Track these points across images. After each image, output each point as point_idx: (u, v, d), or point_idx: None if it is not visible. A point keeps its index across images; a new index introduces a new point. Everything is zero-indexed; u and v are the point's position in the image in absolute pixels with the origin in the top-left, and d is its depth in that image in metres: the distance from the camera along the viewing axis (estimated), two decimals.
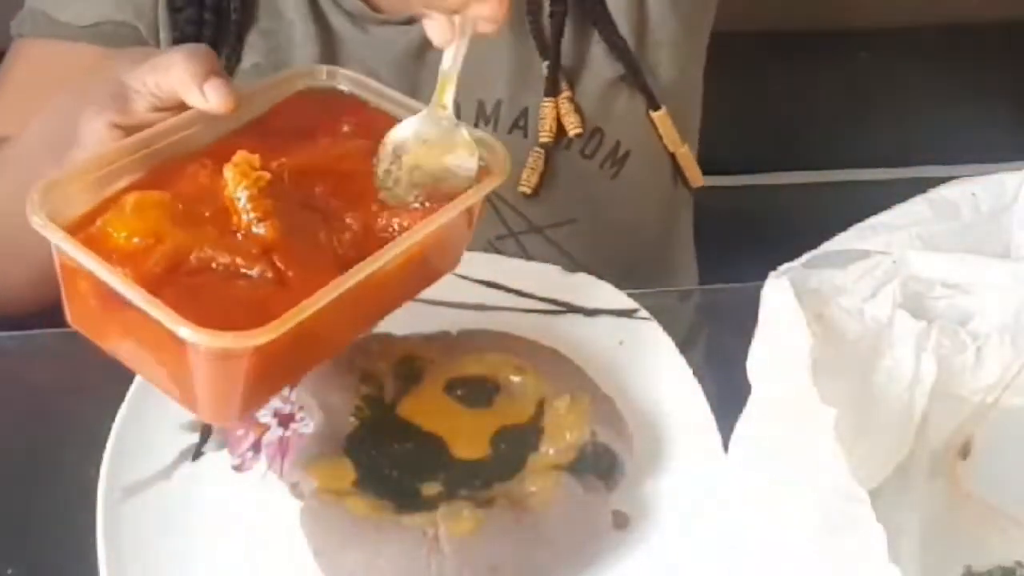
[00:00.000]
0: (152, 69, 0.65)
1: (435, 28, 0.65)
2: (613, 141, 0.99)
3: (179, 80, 0.64)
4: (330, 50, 0.96)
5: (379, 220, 0.63)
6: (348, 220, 0.63)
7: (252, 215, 0.60)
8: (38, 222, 0.58)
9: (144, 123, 0.65)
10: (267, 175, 0.60)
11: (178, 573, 0.66)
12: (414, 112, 0.67)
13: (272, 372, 0.60)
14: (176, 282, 0.57)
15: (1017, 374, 0.75)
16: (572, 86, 0.97)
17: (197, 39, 0.94)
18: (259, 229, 0.59)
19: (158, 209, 0.60)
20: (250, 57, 0.95)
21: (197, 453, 0.71)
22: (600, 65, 0.98)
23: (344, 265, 0.59)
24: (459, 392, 0.71)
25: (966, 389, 0.75)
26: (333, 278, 0.58)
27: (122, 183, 0.62)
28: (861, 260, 0.77)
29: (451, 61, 0.66)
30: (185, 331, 0.54)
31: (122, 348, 0.60)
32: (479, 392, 0.71)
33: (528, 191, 0.97)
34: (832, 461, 0.61)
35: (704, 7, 1.04)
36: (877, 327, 0.73)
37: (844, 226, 0.80)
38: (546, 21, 0.97)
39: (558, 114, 0.96)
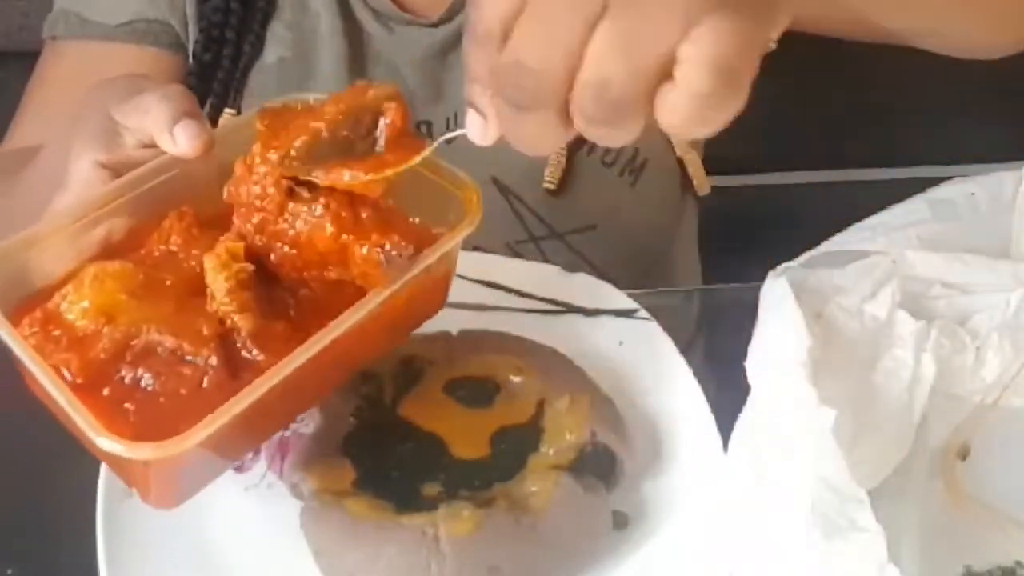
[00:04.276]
0: (134, 109, 0.64)
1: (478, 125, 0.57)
2: (632, 150, 1.00)
3: (154, 122, 0.63)
4: (356, 45, 0.96)
5: (341, 283, 0.61)
6: (310, 286, 0.61)
7: (231, 307, 0.58)
8: None
9: (132, 160, 0.64)
10: (249, 267, 0.59)
11: (178, 574, 0.66)
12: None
13: (214, 456, 0.59)
14: (119, 370, 0.57)
15: (1017, 374, 0.75)
16: None
17: (223, 29, 0.94)
18: (237, 321, 0.58)
19: (116, 281, 0.59)
20: (275, 51, 0.95)
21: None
22: None
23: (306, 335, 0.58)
24: (459, 392, 0.71)
25: (966, 389, 0.75)
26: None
27: (101, 231, 0.62)
28: (860, 260, 0.77)
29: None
30: (104, 442, 0.52)
31: (66, 423, 0.59)
32: (479, 392, 0.71)
33: (552, 186, 0.97)
34: (832, 461, 0.61)
35: None
36: (876, 327, 0.73)
37: (844, 226, 0.80)
38: None
39: None
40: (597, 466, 0.68)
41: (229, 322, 0.58)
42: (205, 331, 0.58)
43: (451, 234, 0.62)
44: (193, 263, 0.61)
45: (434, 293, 0.67)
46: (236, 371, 0.57)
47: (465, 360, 0.73)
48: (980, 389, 0.75)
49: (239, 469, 0.71)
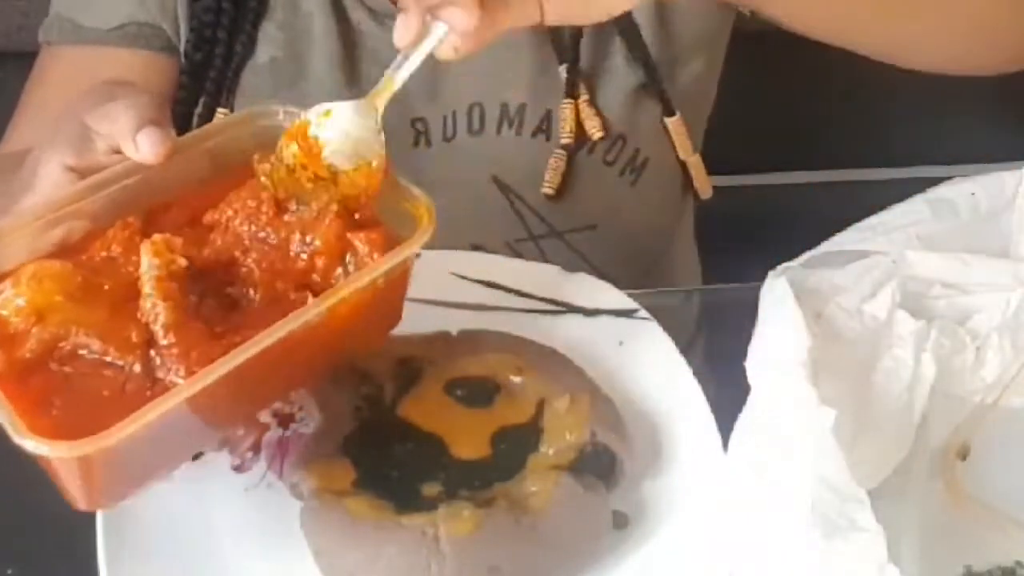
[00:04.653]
0: (104, 115, 0.65)
1: (402, 24, 0.63)
2: (633, 148, 1.00)
3: (120, 129, 0.64)
4: (349, 45, 0.96)
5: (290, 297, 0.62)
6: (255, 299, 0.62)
7: (154, 295, 0.59)
8: None
9: (101, 165, 0.65)
10: (183, 262, 0.60)
11: (178, 573, 0.66)
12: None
13: (138, 462, 0.59)
14: (45, 370, 0.58)
15: (1017, 374, 0.75)
16: (592, 91, 0.97)
17: (214, 29, 0.94)
18: (157, 310, 0.59)
19: (54, 281, 0.60)
20: (268, 51, 0.95)
21: (197, 453, 0.71)
22: (622, 73, 0.98)
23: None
24: (459, 392, 0.71)
25: (966, 389, 0.75)
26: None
27: (60, 232, 0.62)
28: (860, 260, 0.77)
29: (400, 66, 0.65)
30: (17, 438, 0.53)
31: None
32: (479, 392, 0.71)
33: (551, 191, 0.97)
34: (832, 461, 0.61)
35: (725, 17, 1.04)
36: (876, 327, 0.73)
37: (843, 226, 0.80)
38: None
39: (578, 116, 0.96)
40: (597, 466, 0.68)
41: (152, 316, 0.59)
42: (134, 337, 0.58)
43: (397, 250, 0.62)
44: (132, 269, 0.61)
45: (385, 308, 0.67)
46: (155, 377, 0.58)
47: (465, 360, 0.73)
48: (980, 389, 0.75)
49: (239, 469, 0.71)
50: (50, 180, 0.66)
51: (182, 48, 0.96)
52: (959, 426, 0.74)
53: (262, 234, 0.64)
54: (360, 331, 0.66)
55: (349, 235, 0.62)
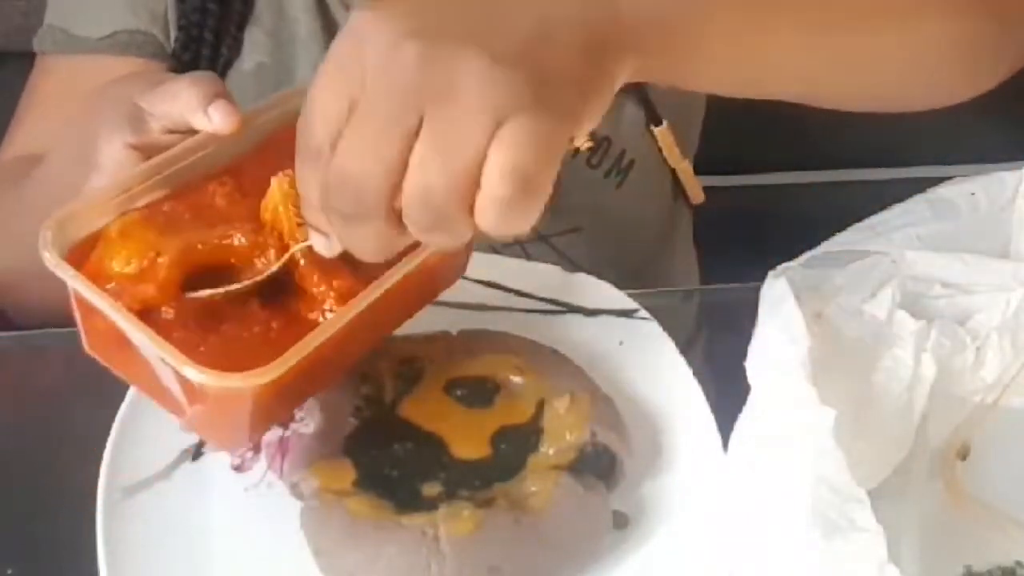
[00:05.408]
0: (162, 96, 0.66)
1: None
2: (619, 150, 0.99)
3: (186, 104, 0.64)
4: None
5: None
6: None
7: (296, 220, 0.60)
8: (49, 259, 0.58)
9: (159, 144, 0.65)
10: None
11: (178, 573, 0.66)
12: None
13: (280, 401, 0.60)
14: (185, 305, 0.59)
15: (1017, 374, 0.75)
16: None
17: (201, 29, 0.94)
18: (300, 233, 0.60)
19: (141, 227, 0.60)
20: (254, 57, 0.95)
21: (197, 453, 0.71)
22: None
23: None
24: (459, 392, 0.71)
25: (966, 389, 0.75)
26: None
27: (139, 207, 0.63)
28: (860, 260, 0.77)
29: None
30: (190, 371, 0.54)
31: (137, 378, 0.61)
32: (479, 392, 0.71)
33: None
34: (832, 461, 0.61)
35: None
36: (876, 327, 0.73)
37: (844, 226, 0.80)
38: None
39: None
40: (597, 466, 0.68)
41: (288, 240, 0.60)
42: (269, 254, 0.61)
43: None
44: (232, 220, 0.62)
45: (464, 253, 0.70)
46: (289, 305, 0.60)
47: (465, 360, 0.73)
48: (980, 389, 0.75)
49: (239, 469, 0.71)
50: (115, 160, 0.66)
51: (171, 48, 0.96)
52: (959, 426, 0.74)
53: None
54: (446, 274, 0.70)
55: None
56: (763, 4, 0.67)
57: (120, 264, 0.59)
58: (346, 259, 0.60)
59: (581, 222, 1.00)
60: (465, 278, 0.79)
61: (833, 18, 0.70)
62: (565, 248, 1.00)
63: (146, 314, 0.58)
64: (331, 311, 0.60)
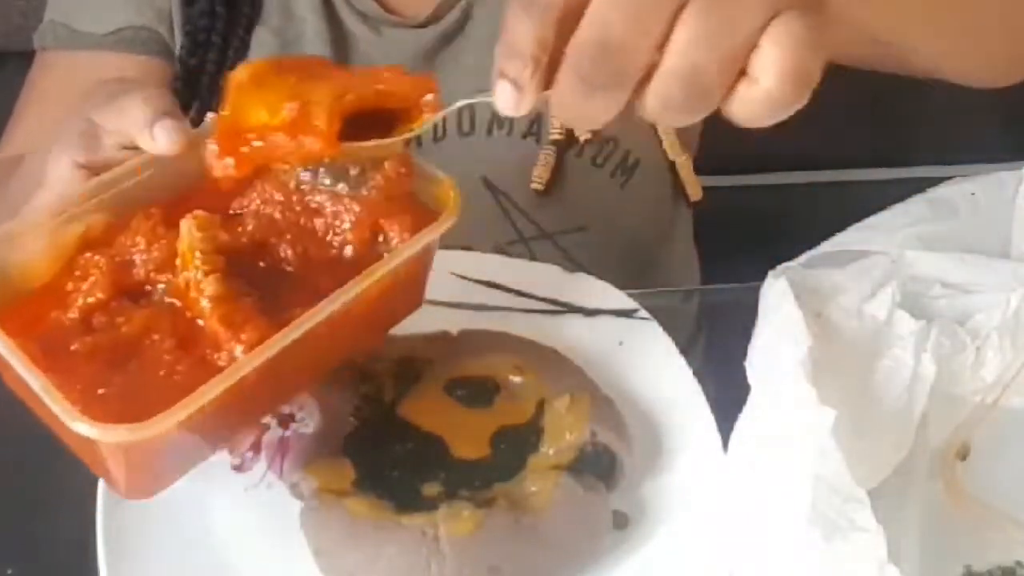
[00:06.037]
0: (113, 111, 0.65)
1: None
2: (624, 150, 1.00)
3: (132, 122, 0.64)
4: (342, 50, 0.96)
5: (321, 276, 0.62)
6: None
7: (202, 268, 0.59)
8: None
9: (111, 161, 0.65)
10: (224, 236, 0.60)
11: (178, 573, 0.66)
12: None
13: (188, 445, 0.59)
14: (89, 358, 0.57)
15: (1017, 374, 0.75)
16: None
17: (209, 33, 0.94)
18: (206, 284, 0.58)
19: (275, 73, 0.59)
20: (260, 56, 0.95)
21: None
22: None
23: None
24: (459, 392, 0.71)
25: (966, 389, 0.75)
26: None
27: (79, 228, 0.62)
28: (860, 260, 0.77)
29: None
30: (81, 427, 0.53)
31: (49, 422, 0.59)
32: (479, 392, 0.71)
33: (540, 187, 0.97)
34: (832, 461, 0.61)
35: None
36: (876, 327, 0.73)
37: (844, 226, 0.80)
38: None
39: None
40: (597, 466, 0.68)
41: (192, 292, 0.59)
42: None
43: (430, 228, 0.63)
44: (156, 255, 0.61)
45: (411, 288, 0.68)
46: (196, 348, 0.58)
47: (465, 360, 0.73)
48: (980, 389, 0.75)
49: (239, 469, 0.71)
50: (62, 178, 0.66)
51: (177, 52, 0.96)
52: (959, 426, 0.74)
53: (296, 219, 0.64)
54: (384, 315, 0.67)
55: (382, 220, 0.63)
56: None
57: (266, 114, 0.56)
58: (256, 307, 0.59)
59: (586, 221, 1.01)
60: (465, 278, 0.80)
61: None
62: (570, 247, 1.00)
63: (55, 347, 0.57)
64: (236, 358, 0.57)
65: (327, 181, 0.63)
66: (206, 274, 0.59)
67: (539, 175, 0.97)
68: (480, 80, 1.01)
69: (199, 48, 0.95)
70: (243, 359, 0.56)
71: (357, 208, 0.63)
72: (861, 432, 0.67)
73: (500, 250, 0.98)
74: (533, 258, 0.99)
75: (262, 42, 0.96)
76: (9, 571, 0.69)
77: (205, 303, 0.58)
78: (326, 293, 0.59)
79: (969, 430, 0.73)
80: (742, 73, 0.51)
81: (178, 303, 0.60)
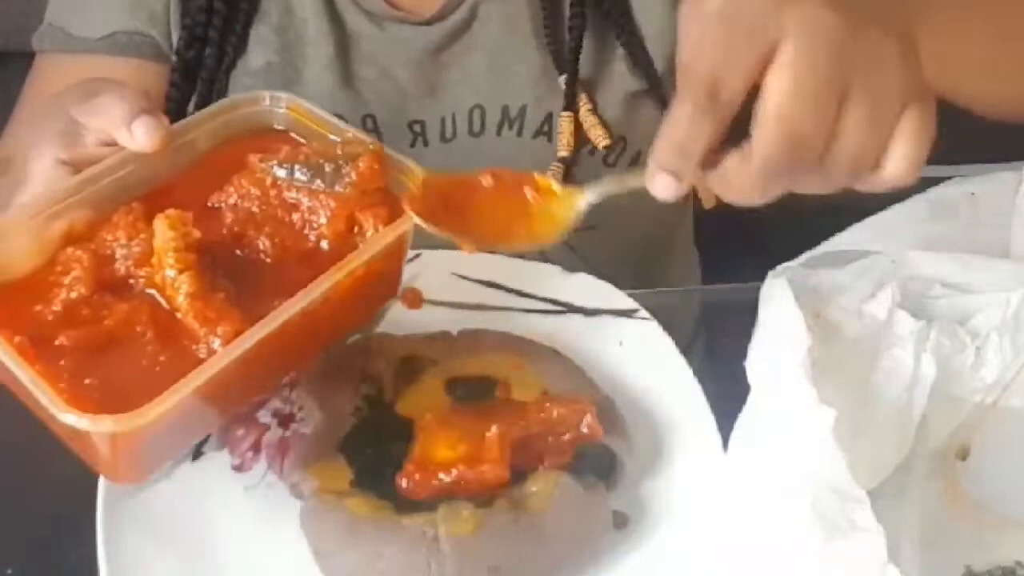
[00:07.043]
0: (93, 109, 0.66)
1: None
2: (635, 151, 1.00)
3: (110, 120, 0.65)
4: (344, 48, 0.95)
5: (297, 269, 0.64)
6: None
7: (176, 265, 0.60)
8: None
9: (92, 157, 0.66)
10: (197, 234, 0.61)
11: (177, 574, 0.66)
12: (346, 137, 0.68)
13: (173, 433, 0.60)
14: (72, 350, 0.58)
15: (1017, 374, 0.75)
16: (593, 97, 0.97)
17: (206, 28, 0.94)
18: (179, 282, 0.60)
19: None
20: (262, 55, 0.95)
21: (197, 453, 0.71)
22: (623, 77, 0.98)
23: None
24: (459, 392, 0.71)
25: (965, 389, 0.75)
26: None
27: (63, 225, 0.63)
28: (860, 260, 0.77)
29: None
30: (70, 417, 0.54)
31: (38, 413, 0.59)
32: (479, 392, 0.71)
33: None
34: (831, 461, 0.61)
35: None
36: (876, 327, 0.73)
37: (844, 226, 0.80)
38: (566, 35, 0.97)
39: (576, 127, 0.96)
40: (597, 466, 0.68)
41: (168, 290, 0.60)
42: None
43: (401, 220, 0.65)
44: (136, 250, 0.63)
45: (387, 279, 0.69)
46: (177, 340, 0.59)
47: (465, 360, 0.73)
48: (980, 389, 0.75)
49: (239, 469, 0.71)
50: (44, 175, 0.66)
51: (173, 53, 0.96)
52: (959, 426, 0.74)
53: (273, 213, 0.66)
54: (359, 306, 0.69)
55: (357, 214, 0.65)
56: (963, 5, 0.75)
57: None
58: (232, 301, 0.60)
59: (596, 220, 1.01)
60: (465, 278, 0.79)
61: (1016, 27, 0.80)
62: (579, 246, 1.00)
63: (40, 340, 0.58)
64: (215, 350, 0.59)
65: (303, 177, 0.65)
66: (179, 272, 0.60)
67: None
68: (485, 80, 1.01)
69: (196, 41, 0.95)
70: (224, 350, 0.58)
71: (332, 203, 0.65)
72: (861, 432, 0.67)
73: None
74: (542, 256, 0.99)
75: (264, 41, 0.96)
76: (9, 571, 0.69)
77: (181, 299, 0.60)
78: (303, 285, 0.60)
79: (969, 430, 0.73)
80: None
81: (159, 296, 0.61)
